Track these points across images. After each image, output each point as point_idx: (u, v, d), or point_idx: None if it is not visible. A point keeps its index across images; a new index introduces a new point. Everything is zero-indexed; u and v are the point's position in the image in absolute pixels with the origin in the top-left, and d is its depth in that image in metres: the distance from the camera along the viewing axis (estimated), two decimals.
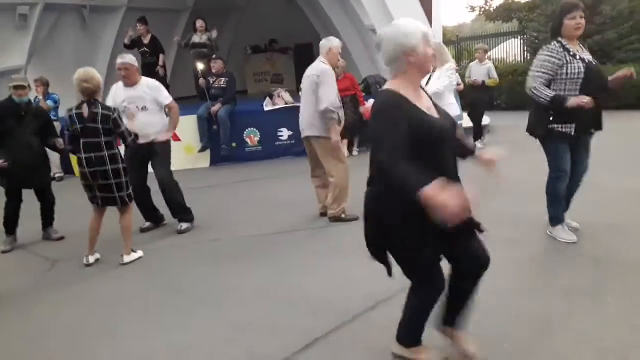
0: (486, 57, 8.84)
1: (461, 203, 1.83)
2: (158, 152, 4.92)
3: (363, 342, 2.77)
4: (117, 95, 4.85)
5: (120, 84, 4.89)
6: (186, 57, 10.55)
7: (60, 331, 3.22)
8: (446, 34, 19.50)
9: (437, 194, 1.84)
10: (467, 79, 8.50)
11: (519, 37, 16.52)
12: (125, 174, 4.27)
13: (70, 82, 4.25)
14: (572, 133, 3.66)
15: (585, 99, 3.52)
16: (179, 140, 7.70)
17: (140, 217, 5.11)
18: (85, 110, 4.11)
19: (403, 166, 1.94)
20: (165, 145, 5.01)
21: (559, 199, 3.90)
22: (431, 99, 2.33)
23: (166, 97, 4.97)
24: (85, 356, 2.91)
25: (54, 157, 7.85)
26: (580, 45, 3.79)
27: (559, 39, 3.71)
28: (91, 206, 4.32)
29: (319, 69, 4.78)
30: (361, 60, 10.91)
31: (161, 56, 9.31)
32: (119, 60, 4.79)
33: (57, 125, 7.32)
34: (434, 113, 2.21)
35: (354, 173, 4.80)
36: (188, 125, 7.99)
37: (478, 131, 8.52)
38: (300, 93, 5.08)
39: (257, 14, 13.70)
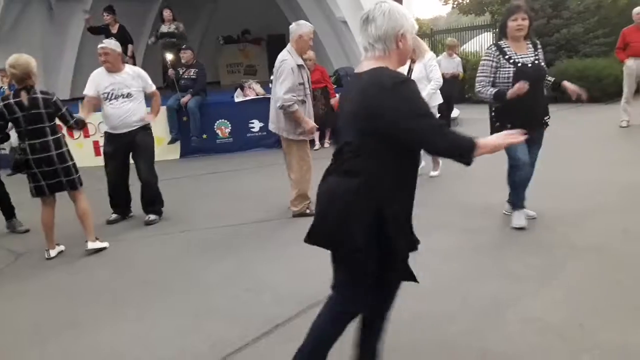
0: (456, 51, 9.00)
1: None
2: (141, 145, 4.91)
3: None
4: (100, 82, 4.80)
5: (101, 70, 4.84)
6: (156, 47, 10.42)
7: (21, 325, 3.22)
8: (422, 27, 19.64)
9: (491, 141, 1.97)
10: None
11: (491, 30, 16.77)
12: (71, 158, 4.20)
13: (38, 73, 4.19)
14: (515, 126, 3.76)
15: (518, 85, 3.61)
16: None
17: (106, 209, 5.09)
18: (24, 97, 4.02)
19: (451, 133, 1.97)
20: (148, 138, 5.01)
21: (518, 188, 4.06)
22: None
23: (151, 85, 5.02)
24: (47, 349, 2.91)
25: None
26: (532, 44, 3.90)
27: (499, 42, 3.88)
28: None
29: (280, 60, 4.61)
30: (333, 52, 10.96)
31: (130, 47, 9.17)
32: (99, 45, 4.76)
33: None
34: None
35: (323, 165, 4.85)
36: (158, 117, 7.91)
37: (447, 124, 8.67)
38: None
39: (230, 4, 13.58)
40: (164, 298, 3.42)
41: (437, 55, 8.97)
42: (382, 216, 1.94)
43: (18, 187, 4.86)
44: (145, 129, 4.97)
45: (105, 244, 4.38)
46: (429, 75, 5.50)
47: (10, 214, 5.11)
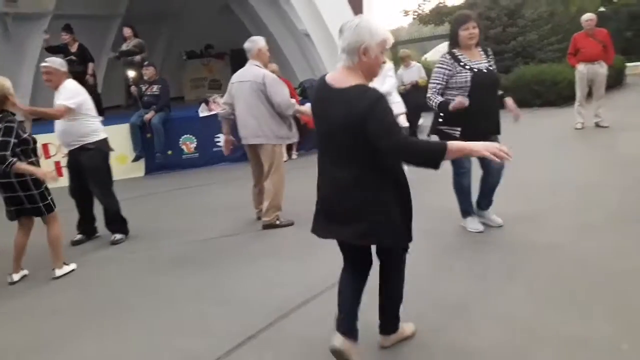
0: (411, 59, 9.21)
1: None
2: (87, 167, 4.72)
3: (295, 336, 2.88)
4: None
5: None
6: (118, 65, 10.31)
7: None
8: None
9: (465, 145, 2.19)
10: (400, 87, 8.76)
11: None
12: (37, 186, 4.01)
13: None
14: (458, 136, 3.86)
15: (458, 99, 3.77)
16: None
17: (72, 229, 4.99)
18: None
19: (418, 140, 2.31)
20: (94, 160, 4.74)
21: (464, 193, 4.18)
22: None
23: (64, 99, 4.56)
24: None
25: None
26: (483, 51, 4.03)
27: (453, 50, 3.97)
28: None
29: (260, 75, 4.65)
30: (297, 64, 11.08)
31: (90, 65, 9.03)
32: (41, 64, 4.67)
33: None
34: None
35: (293, 176, 4.92)
36: (121, 135, 7.81)
37: (414, 132, 8.82)
38: (231, 100, 4.88)
39: (192, 20, 13.55)
40: (133, 315, 3.38)
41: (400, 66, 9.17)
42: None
43: None
44: (88, 149, 4.72)
45: (72, 267, 4.29)
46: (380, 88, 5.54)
47: None
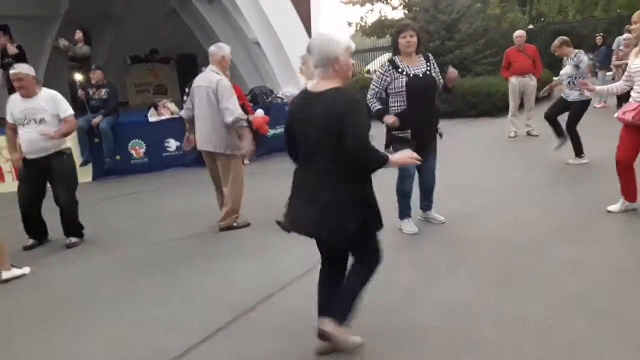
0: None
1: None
2: (58, 171, 4.76)
3: (262, 326, 3.07)
4: (15, 107, 4.67)
5: (16, 96, 4.70)
6: (59, 66, 10.01)
7: None
8: None
9: (396, 158, 2.56)
10: None
11: (392, 51, 17.85)
12: None
13: None
14: (409, 137, 4.19)
15: (390, 120, 4.12)
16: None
17: (23, 234, 4.92)
18: None
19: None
20: (66, 164, 4.83)
21: (404, 196, 4.46)
22: None
23: (64, 111, 4.77)
24: None
25: None
26: (424, 58, 4.31)
27: (393, 57, 4.27)
28: None
29: (214, 80, 4.70)
30: (247, 72, 11.22)
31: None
32: (11, 71, 4.62)
33: None
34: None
35: (246, 180, 5.07)
36: (68, 139, 7.64)
37: None
38: (191, 103, 4.95)
39: (136, 23, 13.39)
40: (96, 314, 3.44)
41: None
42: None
43: None
44: (62, 153, 4.81)
45: (25, 270, 4.25)
46: None
47: None
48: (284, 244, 3.95)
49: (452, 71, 4.33)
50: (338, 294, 2.66)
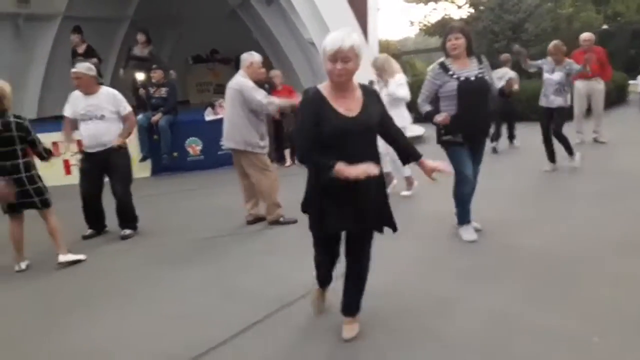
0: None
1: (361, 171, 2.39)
2: (115, 165, 5.03)
3: (296, 323, 3.10)
4: (77, 104, 4.94)
5: (78, 93, 4.98)
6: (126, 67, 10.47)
7: (5, 329, 3.34)
8: (388, 47, 20.25)
9: (345, 169, 2.40)
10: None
11: None
12: (40, 180, 4.34)
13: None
14: (461, 140, 4.08)
15: (440, 117, 3.99)
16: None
17: (81, 225, 5.16)
18: None
19: (312, 156, 2.50)
20: (123, 159, 5.10)
21: (462, 201, 4.31)
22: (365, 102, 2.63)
23: (125, 108, 5.08)
24: (27, 354, 3.02)
25: None
26: (477, 60, 4.15)
27: (443, 60, 4.14)
28: (7, 217, 4.38)
29: (239, 82, 4.95)
30: (302, 72, 11.26)
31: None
32: (72, 70, 4.91)
33: None
34: (351, 113, 2.56)
35: (288, 181, 5.13)
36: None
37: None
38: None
39: (198, 24, 13.77)
40: (140, 304, 3.57)
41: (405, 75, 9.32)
42: None
43: None
44: (120, 148, 5.05)
45: (81, 257, 4.49)
46: (396, 92, 5.64)
47: None
48: None
49: (513, 78, 4.16)
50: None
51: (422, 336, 2.84)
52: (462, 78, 4.02)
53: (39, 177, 4.36)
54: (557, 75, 6.23)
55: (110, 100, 4.99)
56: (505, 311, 3.04)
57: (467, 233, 4.32)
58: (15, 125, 4.17)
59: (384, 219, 2.75)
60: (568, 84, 6.40)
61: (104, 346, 3.03)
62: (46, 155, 4.47)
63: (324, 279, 3.04)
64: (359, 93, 2.62)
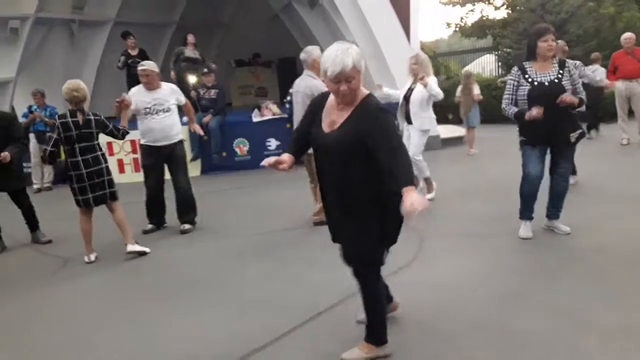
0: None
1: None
2: (179, 157, 5.35)
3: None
4: (141, 98, 5.20)
5: (139, 88, 5.30)
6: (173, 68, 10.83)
7: (84, 317, 3.58)
8: (424, 49, 20.19)
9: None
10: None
11: (493, 52, 17.27)
12: (110, 173, 4.67)
13: (58, 95, 4.62)
14: (531, 142, 4.12)
15: (534, 111, 3.88)
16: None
17: (141, 220, 5.43)
18: (80, 117, 4.51)
19: (288, 148, 2.67)
20: (184, 151, 5.52)
21: (523, 197, 4.33)
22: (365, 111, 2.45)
23: (183, 97, 5.59)
24: (108, 340, 3.23)
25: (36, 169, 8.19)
26: (558, 63, 4.08)
27: (524, 62, 4.11)
28: (75, 212, 4.69)
29: (311, 86, 4.84)
30: None
31: None
32: (140, 68, 5.24)
33: None
34: (329, 128, 2.47)
35: None
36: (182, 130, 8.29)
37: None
38: (287, 105, 5.35)
39: (241, 29, 14.14)
40: (209, 294, 3.76)
41: (439, 77, 9.37)
42: None
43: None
44: (181, 142, 5.42)
45: (146, 249, 4.73)
46: (436, 88, 5.57)
47: (34, 226, 5.49)
48: None
49: (565, 96, 4.01)
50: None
51: (486, 329, 2.92)
52: (536, 82, 4.01)
53: (108, 170, 4.67)
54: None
55: (172, 92, 5.37)
56: (572, 308, 3.09)
57: (523, 230, 4.36)
58: (95, 121, 4.55)
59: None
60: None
61: (180, 333, 3.21)
62: (123, 136, 4.87)
63: None
64: (355, 108, 2.43)
